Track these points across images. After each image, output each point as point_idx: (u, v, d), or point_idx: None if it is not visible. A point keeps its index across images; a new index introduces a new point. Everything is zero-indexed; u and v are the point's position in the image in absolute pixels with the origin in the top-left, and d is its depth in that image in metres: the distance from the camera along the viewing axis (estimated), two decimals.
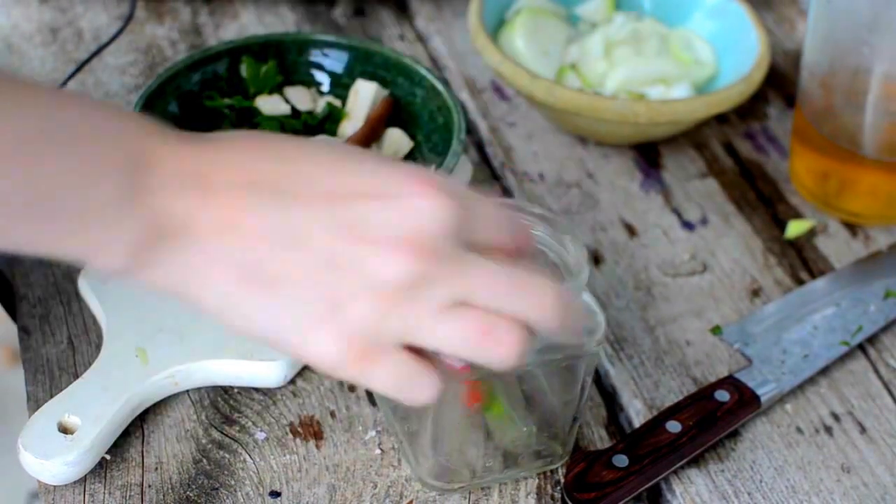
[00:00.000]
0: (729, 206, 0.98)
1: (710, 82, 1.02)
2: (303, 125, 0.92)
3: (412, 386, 0.60)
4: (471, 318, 0.58)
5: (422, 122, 0.92)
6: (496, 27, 1.03)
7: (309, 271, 0.57)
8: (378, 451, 0.78)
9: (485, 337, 0.58)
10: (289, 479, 0.77)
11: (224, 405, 0.80)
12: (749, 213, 0.97)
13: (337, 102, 0.93)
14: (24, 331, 0.84)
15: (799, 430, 0.82)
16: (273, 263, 0.57)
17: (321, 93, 0.95)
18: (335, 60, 0.95)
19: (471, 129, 1.03)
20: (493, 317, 0.58)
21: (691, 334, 0.87)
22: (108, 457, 0.76)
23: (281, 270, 0.57)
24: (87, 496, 0.75)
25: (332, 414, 0.80)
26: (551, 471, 0.78)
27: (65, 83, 0.99)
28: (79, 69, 0.99)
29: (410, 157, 0.92)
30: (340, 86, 0.94)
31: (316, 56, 0.95)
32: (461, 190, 0.59)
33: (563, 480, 0.77)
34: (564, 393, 0.74)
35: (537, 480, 0.78)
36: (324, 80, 0.95)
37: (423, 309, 0.58)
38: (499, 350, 0.59)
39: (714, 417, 0.79)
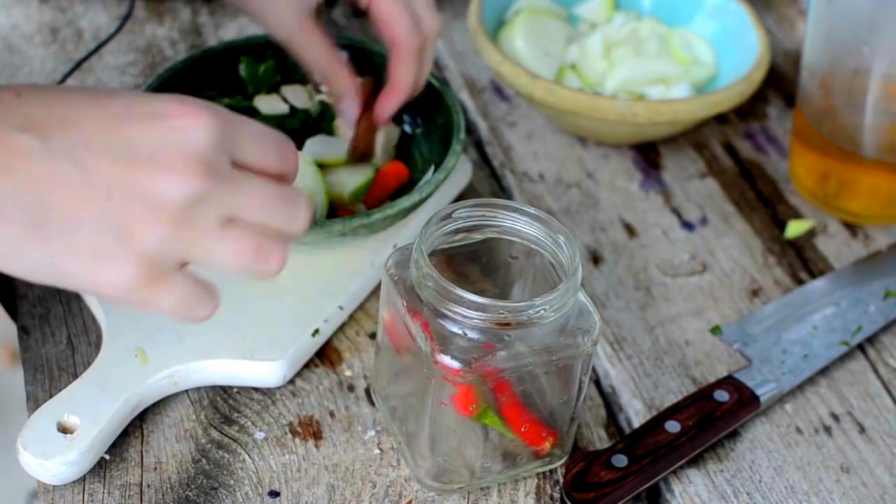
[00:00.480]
0: (729, 206, 0.98)
1: (710, 82, 1.02)
2: (300, 123, 0.92)
3: (197, 304, 0.62)
4: (242, 238, 0.61)
5: (422, 122, 0.92)
6: (496, 27, 1.03)
7: (92, 206, 0.58)
8: (377, 451, 0.78)
9: (255, 256, 0.61)
10: (288, 478, 0.77)
11: (223, 405, 0.80)
12: (749, 213, 0.97)
13: (331, 100, 0.93)
14: (24, 331, 0.84)
15: (798, 430, 0.82)
16: (57, 204, 0.58)
17: (319, 91, 0.95)
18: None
19: (471, 129, 1.03)
20: (260, 235, 0.61)
21: (691, 334, 0.87)
22: (107, 456, 0.76)
23: (66, 210, 0.58)
24: (86, 496, 0.75)
25: (332, 414, 0.80)
26: (550, 471, 0.78)
27: (62, 81, 0.99)
28: (76, 67, 0.99)
29: (410, 158, 0.92)
30: None
31: None
32: (228, 113, 0.61)
33: (562, 480, 0.77)
34: (562, 393, 0.74)
35: (536, 480, 0.78)
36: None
37: (202, 228, 0.59)
38: (267, 266, 0.62)
39: (713, 417, 0.79)
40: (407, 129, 0.93)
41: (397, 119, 0.93)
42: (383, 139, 0.91)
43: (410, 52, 0.85)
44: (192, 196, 0.58)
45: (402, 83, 0.86)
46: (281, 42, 0.87)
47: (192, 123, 0.59)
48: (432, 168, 0.89)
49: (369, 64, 0.94)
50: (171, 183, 0.58)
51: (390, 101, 0.87)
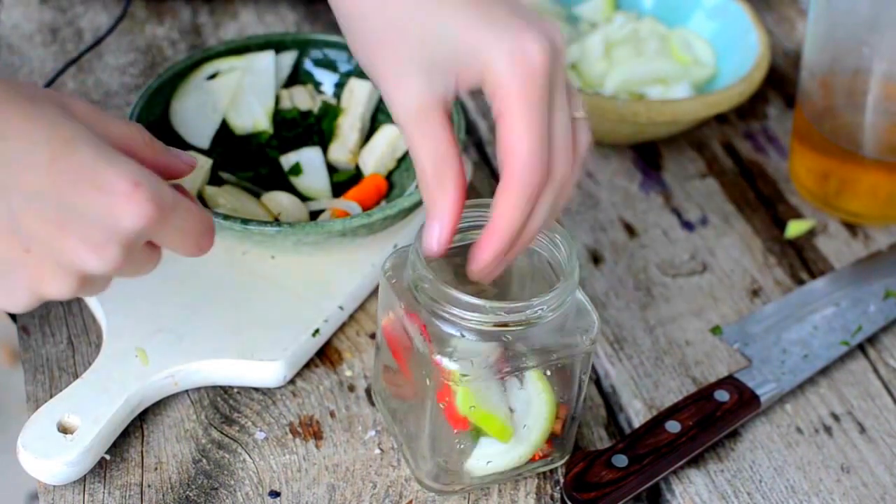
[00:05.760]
0: (729, 206, 0.98)
1: (710, 82, 1.02)
2: (302, 124, 0.92)
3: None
4: None
5: None
6: None
7: (9, 249, 0.62)
8: (378, 451, 0.78)
9: None
10: (288, 479, 0.77)
11: (224, 405, 0.80)
12: (749, 213, 0.97)
13: (333, 101, 0.93)
14: (24, 331, 0.84)
15: (799, 430, 0.82)
16: None
17: (319, 91, 0.95)
18: (335, 60, 0.95)
19: (471, 129, 1.03)
20: None
21: (691, 334, 0.87)
22: (107, 457, 0.76)
23: None
24: (86, 496, 0.75)
25: (332, 414, 0.80)
26: (551, 471, 0.78)
27: (54, 79, 0.97)
28: (67, 66, 0.98)
29: (410, 156, 0.92)
30: (340, 86, 0.94)
31: (316, 56, 0.95)
32: (168, 198, 0.62)
33: (562, 480, 0.77)
34: (562, 392, 0.74)
35: (537, 481, 0.78)
36: (324, 79, 0.95)
37: (95, 289, 0.65)
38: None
39: (714, 417, 0.79)
40: None
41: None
42: (385, 148, 0.90)
43: (520, 188, 0.66)
44: (103, 270, 0.62)
45: (501, 228, 0.68)
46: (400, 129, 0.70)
47: (129, 209, 0.60)
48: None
49: None
50: (91, 258, 0.61)
51: (482, 249, 0.69)
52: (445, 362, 0.70)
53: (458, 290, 0.69)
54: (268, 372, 0.80)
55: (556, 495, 0.77)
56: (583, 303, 0.73)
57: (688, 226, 0.96)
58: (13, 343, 1.21)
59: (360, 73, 0.94)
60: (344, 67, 0.94)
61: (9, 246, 0.61)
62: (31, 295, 0.63)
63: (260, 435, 0.79)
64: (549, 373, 0.73)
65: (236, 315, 0.82)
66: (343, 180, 0.90)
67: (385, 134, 0.91)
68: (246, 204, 0.85)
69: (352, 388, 0.82)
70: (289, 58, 0.94)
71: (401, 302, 0.73)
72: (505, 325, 0.70)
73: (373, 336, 0.85)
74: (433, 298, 0.70)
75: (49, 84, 0.98)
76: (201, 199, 0.86)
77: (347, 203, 0.87)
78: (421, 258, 0.71)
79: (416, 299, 0.71)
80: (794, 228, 0.96)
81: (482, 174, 0.99)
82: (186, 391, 0.81)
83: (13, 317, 0.87)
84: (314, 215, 0.88)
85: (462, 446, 0.74)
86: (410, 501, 0.76)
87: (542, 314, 0.70)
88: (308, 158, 0.90)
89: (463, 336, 0.70)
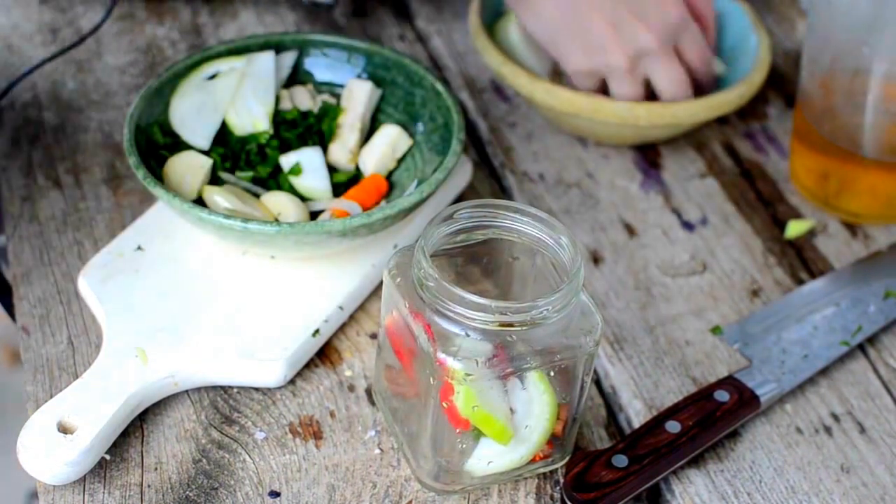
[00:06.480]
0: (729, 206, 0.98)
1: None
2: (302, 124, 0.92)
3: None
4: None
5: (422, 121, 0.92)
6: (493, 19, 1.03)
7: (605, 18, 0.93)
8: (377, 451, 0.78)
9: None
10: (288, 479, 0.77)
11: (224, 405, 0.80)
12: (749, 213, 0.97)
13: (332, 101, 0.93)
14: (24, 331, 0.84)
15: (798, 430, 0.82)
16: (583, 8, 0.93)
17: (319, 91, 0.95)
18: (335, 60, 0.95)
19: (471, 129, 1.03)
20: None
21: (691, 334, 0.87)
22: (107, 457, 0.76)
23: (587, 14, 0.93)
24: (86, 496, 0.75)
25: (332, 414, 0.80)
26: (551, 471, 0.78)
27: (38, 66, 0.96)
28: (58, 55, 0.96)
29: (409, 156, 0.92)
30: (340, 86, 0.94)
31: (316, 56, 0.95)
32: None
33: (562, 480, 0.77)
34: (564, 393, 0.74)
35: (537, 481, 0.78)
36: (324, 79, 0.95)
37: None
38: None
39: (714, 418, 0.79)
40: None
41: (408, 130, 0.92)
42: (385, 149, 0.91)
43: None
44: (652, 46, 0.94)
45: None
46: None
47: (674, 8, 0.94)
48: (432, 169, 0.89)
49: (370, 64, 0.94)
50: (646, 35, 0.94)
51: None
52: (450, 361, 0.70)
53: (463, 289, 0.69)
54: (268, 372, 0.80)
55: (556, 495, 0.77)
56: (587, 304, 0.73)
57: (688, 226, 0.96)
58: (13, 343, 1.21)
59: (359, 74, 0.94)
60: (343, 67, 0.94)
61: (599, 22, 0.93)
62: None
63: (260, 435, 0.79)
64: (552, 374, 0.73)
65: (236, 315, 0.82)
66: (343, 180, 0.90)
67: (385, 134, 0.91)
68: (246, 204, 0.85)
69: (352, 388, 0.82)
70: (289, 58, 0.95)
71: (405, 301, 0.73)
72: (510, 325, 0.70)
73: (373, 336, 0.85)
74: (438, 297, 0.70)
75: (30, 72, 0.96)
76: (201, 199, 0.86)
77: (347, 203, 0.87)
78: (426, 256, 0.71)
79: (421, 298, 0.71)
80: (794, 228, 0.96)
81: (482, 174, 0.99)
82: (186, 391, 0.81)
83: (13, 317, 0.87)
84: (314, 215, 0.88)
85: (463, 446, 0.74)
86: (410, 501, 0.76)
87: (547, 315, 0.70)
88: (308, 158, 0.90)
89: (467, 335, 0.70)
